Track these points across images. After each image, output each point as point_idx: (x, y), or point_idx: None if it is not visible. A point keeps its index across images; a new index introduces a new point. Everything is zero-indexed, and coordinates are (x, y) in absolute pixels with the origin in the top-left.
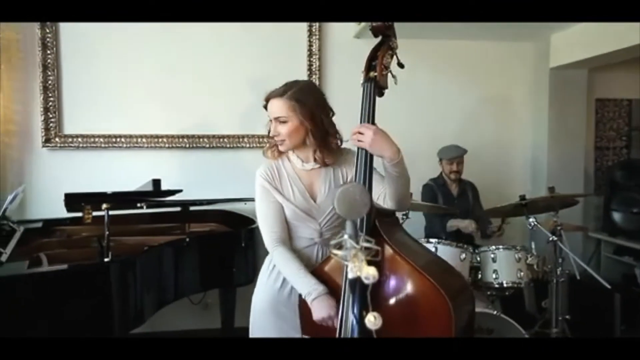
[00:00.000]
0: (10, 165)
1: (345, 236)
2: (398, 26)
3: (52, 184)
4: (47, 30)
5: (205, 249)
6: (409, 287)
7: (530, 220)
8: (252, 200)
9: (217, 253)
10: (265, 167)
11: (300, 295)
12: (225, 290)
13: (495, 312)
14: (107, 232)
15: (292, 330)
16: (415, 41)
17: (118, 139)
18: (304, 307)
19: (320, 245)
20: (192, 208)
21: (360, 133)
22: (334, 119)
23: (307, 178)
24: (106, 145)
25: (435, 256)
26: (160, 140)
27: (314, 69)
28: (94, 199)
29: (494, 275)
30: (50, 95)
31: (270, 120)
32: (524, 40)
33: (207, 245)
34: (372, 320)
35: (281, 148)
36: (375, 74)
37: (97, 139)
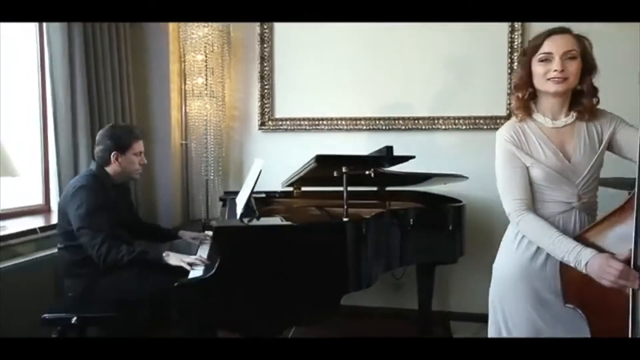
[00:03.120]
0: (233, 146)
1: None
2: None
3: (266, 162)
4: (265, 27)
5: (424, 222)
6: None
7: None
8: (461, 177)
9: (435, 227)
10: (509, 130)
11: (560, 263)
12: (423, 271)
13: None
14: (345, 195)
15: (551, 294)
16: None
17: (320, 122)
18: (566, 275)
19: (577, 210)
20: (388, 188)
21: None
22: None
23: (558, 137)
24: (310, 128)
25: None
26: (358, 122)
27: (515, 46)
28: (338, 161)
29: None
30: (265, 83)
31: (544, 59)
32: None
33: (426, 218)
34: None
35: (560, 87)
36: None
37: (302, 122)
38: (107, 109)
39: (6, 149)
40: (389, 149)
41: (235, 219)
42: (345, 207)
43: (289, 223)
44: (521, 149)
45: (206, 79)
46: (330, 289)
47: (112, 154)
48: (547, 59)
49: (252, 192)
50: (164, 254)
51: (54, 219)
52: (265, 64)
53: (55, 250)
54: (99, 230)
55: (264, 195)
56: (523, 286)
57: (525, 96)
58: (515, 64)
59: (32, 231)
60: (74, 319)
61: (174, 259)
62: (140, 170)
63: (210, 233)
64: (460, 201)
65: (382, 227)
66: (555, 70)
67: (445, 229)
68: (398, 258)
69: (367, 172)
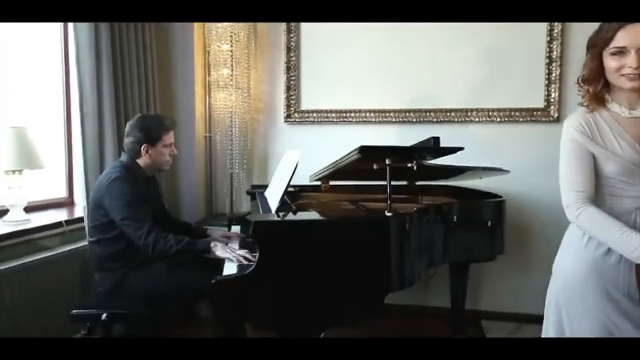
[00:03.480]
0: (257, 139)
1: None
2: None
3: None
4: None
5: (467, 218)
6: None
7: None
8: (502, 170)
9: (477, 223)
10: (579, 119)
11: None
12: (457, 268)
13: None
14: (389, 189)
15: (624, 296)
16: None
17: (348, 114)
18: None
19: None
20: (419, 183)
21: None
22: None
23: (634, 128)
24: (337, 120)
25: None
26: (387, 114)
27: (555, 35)
28: (382, 152)
29: None
30: (292, 74)
31: (617, 53)
32: None
33: (470, 214)
34: None
35: (636, 84)
36: None
37: (329, 114)
38: (132, 101)
39: (32, 142)
40: (436, 140)
41: (271, 213)
42: (389, 202)
43: (330, 217)
44: (592, 140)
45: (232, 70)
46: (373, 288)
47: (143, 146)
48: (620, 52)
49: (288, 185)
50: (211, 244)
51: (77, 212)
52: (291, 54)
53: (81, 244)
54: (143, 220)
55: (292, 189)
56: (593, 287)
57: (597, 89)
58: (554, 53)
59: (58, 224)
60: (104, 316)
61: (221, 250)
62: (170, 161)
63: (237, 229)
64: (499, 196)
65: (426, 222)
66: (630, 67)
67: (486, 225)
68: (441, 255)
69: (409, 165)
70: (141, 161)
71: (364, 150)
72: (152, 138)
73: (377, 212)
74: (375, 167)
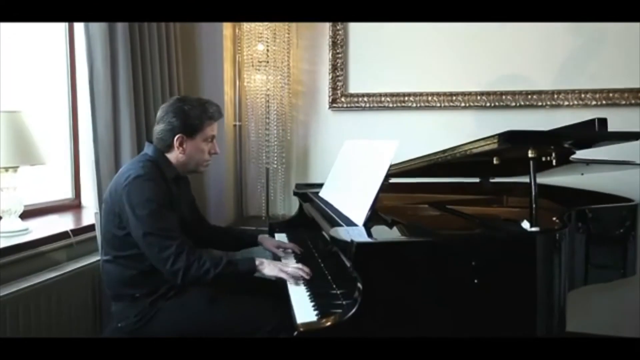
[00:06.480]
0: (296, 128)
1: None
2: None
3: (336, 147)
4: None
5: (610, 227)
6: None
7: None
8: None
9: (619, 232)
10: None
11: None
12: None
13: None
14: (534, 190)
15: None
16: None
17: (407, 98)
18: None
19: None
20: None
21: None
22: None
23: None
24: (393, 106)
25: None
26: (455, 98)
27: None
28: (530, 139)
29: None
30: (338, 51)
31: None
32: None
33: (611, 222)
34: None
35: None
36: None
37: (383, 98)
38: (153, 80)
39: (30, 131)
40: (602, 122)
41: (361, 228)
42: (534, 207)
43: (459, 236)
44: None
45: (267, 46)
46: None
47: (177, 137)
48: None
49: (379, 191)
50: (256, 262)
51: (86, 218)
52: (338, 27)
53: (93, 259)
54: (170, 236)
55: None
56: None
57: None
58: None
59: (64, 235)
60: None
61: (269, 268)
62: (209, 161)
63: (284, 239)
64: (630, 199)
65: (571, 236)
66: None
67: (623, 237)
68: (582, 279)
69: (545, 159)
70: (172, 156)
71: (512, 136)
72: (190, 127)
73: (510, 225)
74: (495, 161)
